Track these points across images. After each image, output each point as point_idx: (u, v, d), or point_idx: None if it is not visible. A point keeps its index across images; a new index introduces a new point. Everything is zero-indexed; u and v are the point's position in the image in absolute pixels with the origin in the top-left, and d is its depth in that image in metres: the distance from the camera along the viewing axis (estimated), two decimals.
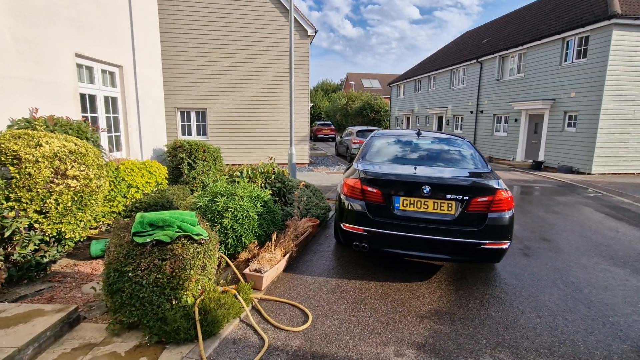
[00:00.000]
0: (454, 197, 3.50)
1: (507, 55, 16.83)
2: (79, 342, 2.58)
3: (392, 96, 32.96)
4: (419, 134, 4.87)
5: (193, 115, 12.54)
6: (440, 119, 23.96)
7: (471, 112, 19.80)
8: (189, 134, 12.61)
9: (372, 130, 14.54)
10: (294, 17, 12.29)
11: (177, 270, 2.68)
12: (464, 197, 3.48)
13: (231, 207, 3.97)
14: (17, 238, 3.45)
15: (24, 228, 3.52)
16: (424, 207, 3.58)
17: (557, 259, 4.58)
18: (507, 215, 3.49)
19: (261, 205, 4.25)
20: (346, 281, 3.81)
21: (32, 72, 4.69)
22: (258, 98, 12.69)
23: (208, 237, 2.98)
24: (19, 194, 3.53)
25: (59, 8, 5.11)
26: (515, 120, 16.25)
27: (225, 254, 3.89)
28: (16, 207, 3.53)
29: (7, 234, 3.37)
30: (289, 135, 9.10)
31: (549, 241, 5.29)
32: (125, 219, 5.02)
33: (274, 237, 4.01)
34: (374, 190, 3.66)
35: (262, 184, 5.25)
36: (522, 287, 3.77)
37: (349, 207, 3.79)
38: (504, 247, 3.46)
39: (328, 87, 50.89)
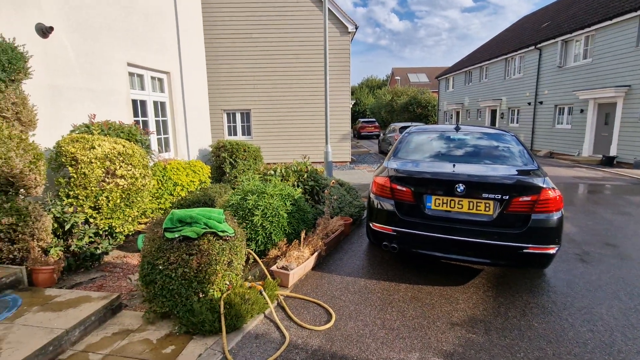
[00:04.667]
0: (491, 196, 3.23)
1: (571, 39, 15.16)
2: (119, 328, 2.82)
3: (440, 90, 31.47)
4: (457, 128, 4.57)
5: (238, 116, 13.08)
6: (493, 112, 22.36)
7: (529, 103, 18.19)
8: (235, 134, 13.18)
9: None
10: (334, 14, 12.25)
11: (203, 265, 2.80)
12: (503, 197, 3.19)
13: (261, 205, 4.06)
14: (75, 231, 3.88)
15: (81, 222, 3.94)
16: (457, 207, 3.35)
17: (622, 267, 4.03)
18: (555, 216, 3.13)
19: (291, 204, 4.29)
20: (375, 282, 3.71)
21: (91, 82, 5.22)
22: (299, 97, 12.86)
23: (234, 234, 3.07)
24: (76, 192, 3.94)
25: (113, 22, 5.62)
26: (581, 110, 14.60)
27: (255, 251, 4.00)
28: (74, 203, 3.96)
29: (67, 227, 3.80)
30: (325, 133, 9.10)
31: (613, 246, 4.67)
32: (163, 216, 5.38)
33: (302, 235, 4.03)
34: (404, 189, 3.51)
35: (295, 182, 5.31)
36: (574, 297, 3.37)
37: (378, 206, 3.69)
38: (550, 252, 3.12)
39: (373, 83, 50.01)
